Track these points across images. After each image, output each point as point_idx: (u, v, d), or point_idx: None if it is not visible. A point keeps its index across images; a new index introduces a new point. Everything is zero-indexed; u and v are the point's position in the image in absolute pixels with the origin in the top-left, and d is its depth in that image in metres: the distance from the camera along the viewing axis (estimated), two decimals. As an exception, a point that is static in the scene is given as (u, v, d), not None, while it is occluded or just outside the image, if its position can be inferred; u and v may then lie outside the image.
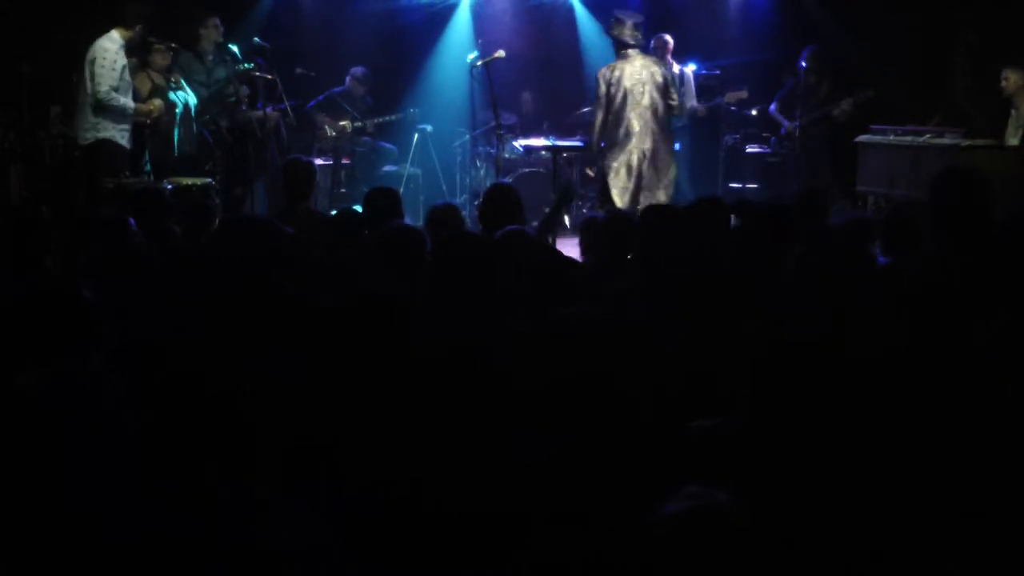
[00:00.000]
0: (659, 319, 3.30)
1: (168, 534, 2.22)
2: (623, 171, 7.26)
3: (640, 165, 7.24)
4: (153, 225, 4.54)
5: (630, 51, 7.29)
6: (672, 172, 7.44)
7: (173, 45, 7.84)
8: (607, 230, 4.46)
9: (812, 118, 8.88)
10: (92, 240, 4.14)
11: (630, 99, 7.22)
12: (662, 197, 7.23)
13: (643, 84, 7.23)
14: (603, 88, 7.27)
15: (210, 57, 8.37)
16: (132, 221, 4.34)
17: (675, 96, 7.43)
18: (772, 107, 9.35)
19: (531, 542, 2.30)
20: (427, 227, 4.70)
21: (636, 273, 4.08)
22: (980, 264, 3.50)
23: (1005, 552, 2.32)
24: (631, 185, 7.25)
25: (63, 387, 2.70)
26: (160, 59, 7.73)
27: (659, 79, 7.28)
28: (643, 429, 2.56)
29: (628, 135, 7.24)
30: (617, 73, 7.26)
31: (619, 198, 7.26)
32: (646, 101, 7.22)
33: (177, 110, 7.79)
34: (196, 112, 7.94)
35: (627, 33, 7.29)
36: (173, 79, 7.80)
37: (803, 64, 8.81)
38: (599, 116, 7.33)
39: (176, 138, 7.77)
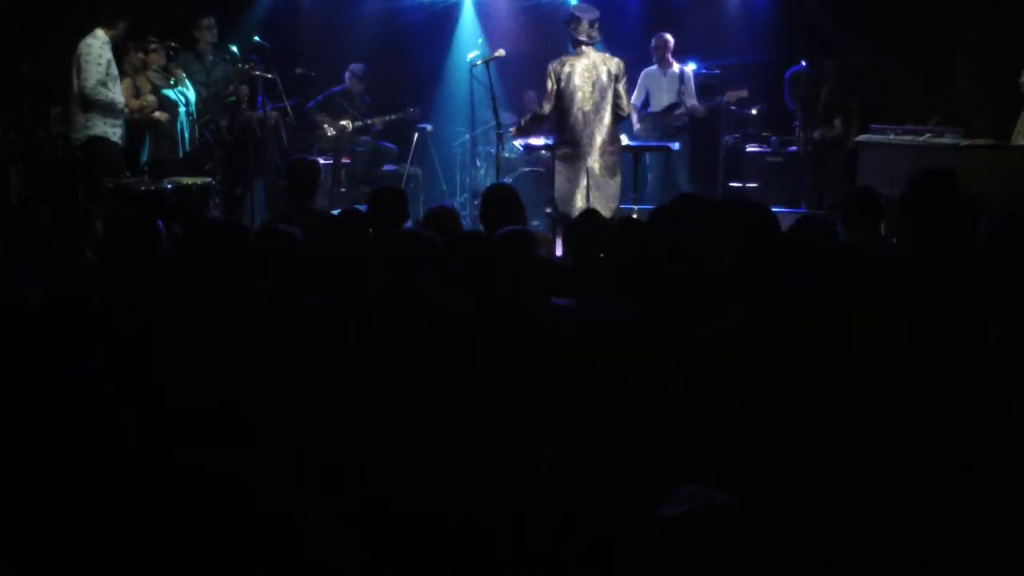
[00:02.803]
0: (659, 319, 3.30)
1: (168, 536, 2.22)
2: (566, 172, 7.13)
3: (584, 165, 7.08)
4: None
5: (584, 47, 7.12)
6: (619, 173, 7.26)
7: (173, 45, 7.85)
8: (579, 231, 4.45)
9: (813, 137, 8.90)
10: (121, 242, 4.15)
11: (579, 96, 7.06)
12: (609, 197, 7.10)
13: (593, 80, 7.07)
14: (552, 82, 7.10)
15: (210, 57, 8.37)
16: (161, 224, 4.35)
17: (624, 97, 7.18)
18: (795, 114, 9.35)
19: (532, 543, 2.30)
20: (424, 228, 4.70)
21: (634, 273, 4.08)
22: (953, 264, 3.51)
23: (1005, 553, 2.32)
24: (575, 185, 7.11)
25: (65, 389, 2.70)
26: (158, 58, 7.74)
27: (610, 77, 7.08)
28: (645, 428, 2.56)
29: (574, 133, 7.09)
30: (567, 68, 7.08)
31: (559, 197, 7.14)
32: (596, 98, 7.06)
33: (180, 108, 7.79)
34: (196, 111, 7.95)
35: (583, 30, 7.10)
36: (174, 76, 7.80)
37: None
38: (544, 108, 7.14)
39: (186, 136, 7.79)
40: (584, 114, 7.08)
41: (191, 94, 7.92)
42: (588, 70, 7.09)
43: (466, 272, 3.62)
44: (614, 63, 7.16)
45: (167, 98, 7.77)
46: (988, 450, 2.49)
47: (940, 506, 2.36)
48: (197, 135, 7.96)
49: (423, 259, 3.63)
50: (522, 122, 7.57)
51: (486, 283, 3.55)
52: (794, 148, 9.46)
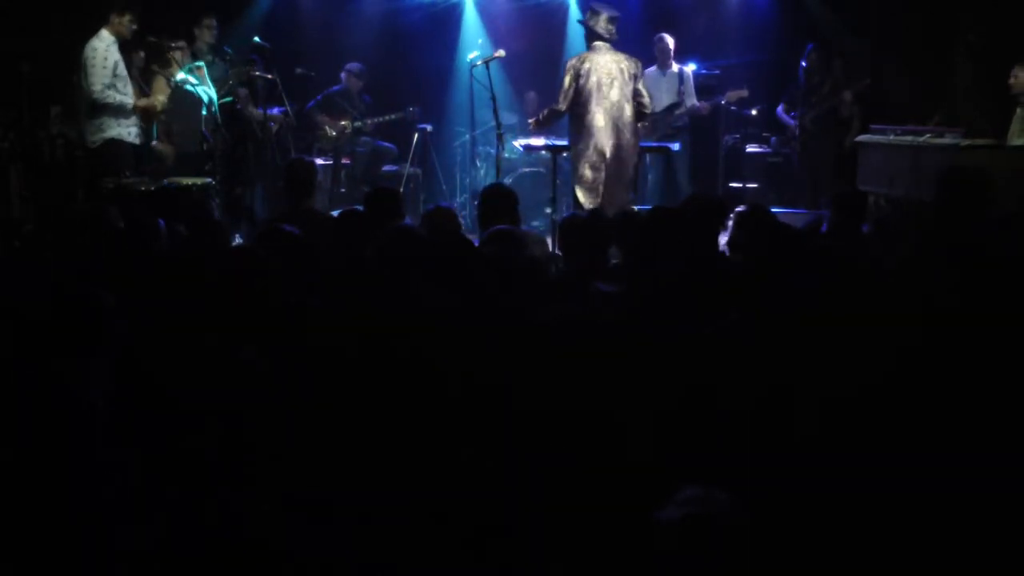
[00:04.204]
0: (655, 323, 3.30)
1: (166, 536, 2.22)
2: (587, 170, 7.14)
3: (603, 162, 7.10)
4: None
5: (600, 43, 7.15)
6: (634, 170, 7.35)
7: (173, 44, 7.85)
8: (583, 231, 4.44)
9: (815, 115, 8.89)
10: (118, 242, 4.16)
11: (597, 93, 7.07)
12: (623, 195, 7.17)
13: (612, 78, 7.08)
14: (570, 78, 7.11)
15: (208, 57, 8.37)
16: (162, 223, 4.37)
17: (645, 95, 7.23)
18: (779, 108, 9.36)
19: (532, 547, 2.30)
20: (422, 228, 4.71)
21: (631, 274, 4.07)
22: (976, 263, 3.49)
23: (1006, 553, 2.32)
24: (596, 183, 7.13)
25: (67, 385, 2.70)
26: (181, 57, 7.76)
27: (628, 75, 7.12)
28: (645, 429, 2.57)
29: (592, 131, 7.10)
30: (587, 65, 7.09)
31: (583, 196, 7.15)
32: (614, 95, 7.08)
33: (203, 106, 7.79)
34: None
35: (601, 26, 7.13)
36: (198, 76, 7.80)
37: (804, 63, 8.83)
38: (562, 104, 7.16)
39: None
40: (604, 110, 7.10)
41: (212, 93, 7.93)
42: (607, 67, 7.11)
43: (452, 272, 3.62)
44: (632, 63, 7.21)
45: (193, 95, 7.78)
46: (990, 453, 2.49)
47: (943, 507, 2.36)
48: (198, 134, 7.94)
49: (414, 258, 3.64)
50: (540, 117, 7.58)
51: (470, 283, 3.54)
52: (787, 150, 9.47)
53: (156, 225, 4.34)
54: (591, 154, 7.12)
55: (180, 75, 7.74)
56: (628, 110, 7.14)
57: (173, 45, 7.74)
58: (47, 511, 2.38)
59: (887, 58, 9.19)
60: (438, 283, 3.58)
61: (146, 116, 7.50)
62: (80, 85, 7.08)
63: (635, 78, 7.16)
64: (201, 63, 7.86)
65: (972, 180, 4.17)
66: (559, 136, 7.92)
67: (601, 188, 7.13)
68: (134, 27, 7.25)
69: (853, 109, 8.81)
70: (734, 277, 3.42)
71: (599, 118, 7.09)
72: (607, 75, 7.08)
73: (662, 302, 3.45)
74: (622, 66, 7.12)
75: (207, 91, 7.86)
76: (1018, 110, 7.19)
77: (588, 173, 7.14)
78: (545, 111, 7.52)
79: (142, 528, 2.29)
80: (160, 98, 7.55)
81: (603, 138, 7.10)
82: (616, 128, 7.11)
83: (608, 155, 7.11)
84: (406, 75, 10.28)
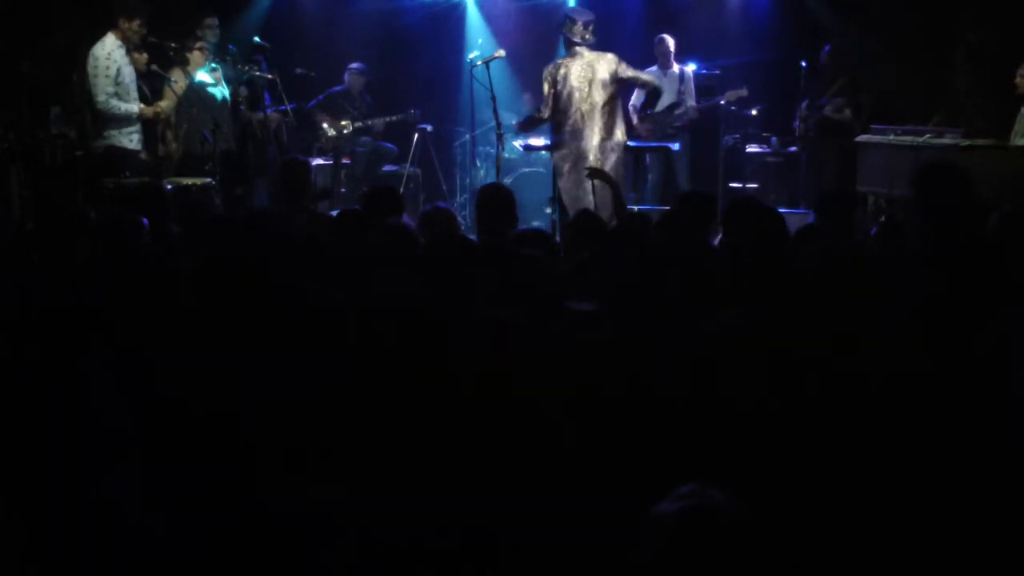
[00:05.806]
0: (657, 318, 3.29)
1: (166, 533, 2.22)
2: (570, 173, 7.17)
3: (587, 165, 7.06)
4: (153, 224, 4.55)
5: (578, 49, 7.22)
6: (621, 170, 7.34)
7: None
8: (573, 230, 4.43)
9: (817, 118, 8.88)
10: (101, 239, 4.17)
11: (576, 96, 7.14)
12: (607, 196, 7.08)
13: (589, 81, 7.15)
14: (548, 86, 7.22)
15: (211, 57, 8.37)
16: (145, 221, 4.37)
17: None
18: (803, 104, 9.29)
19: (525, 542, 2.30)
20: (419, 229, 4.71)
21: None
22: (968, 261, 3.50)
23: (1004, 553, 2.32)
24: (580, 188, 7.14)
25: (66, 384, 2.71)
26: (201, 57, 7.77)
27: (606, 75, 7.16)
28: (644, 426, 2.56)
29: (574, 135, 7.17)
30: (563, 71, 7.19)
31: (568, 199, 7.16)
32: (595, 98, 7.14)
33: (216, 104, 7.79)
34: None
35: (577, 32, 7.21)
36: (214, 76, 7.82)
37: (805, 64, 8.84)
38: (543, 112, 7.27)
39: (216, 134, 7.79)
40: (583, 114, 7.15)
41: (227, 94, 7.95)
42: (584, 70, 7.17)
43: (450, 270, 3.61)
44: (607, 58, 7.24)
45: (212, 96, 7.79)
46: (986, 450, 2.49)
47: (939, 507, 2.36)
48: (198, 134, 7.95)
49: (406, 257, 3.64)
50: (522, 124, 7.76)
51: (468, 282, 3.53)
52: (794, 148, 9.46)
53: (140, 223, 4.34)
54: (574, 159, 7.16)
55: (200, 75, 7.76)
56: (608, 111, 7.18)
57: (194, 46, 7.75)
58: (47, 510, 2.38)
59: (887, 58, 9.19)
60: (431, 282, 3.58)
61: (151, 121, 7.52)
62: (83, 86, 7.10)
63: (615, 72, 7.18)
64: (217, 66, 7.87)
65: (948, 174, 4.16)
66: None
67: (587, 193, 7.11)
68: (143, 32, 7.25)
69: (854, 119, 8.80)
70: (727, 276, 3.42)
71: (579, 122, 7.15)
72: (585, 78, 7.16)
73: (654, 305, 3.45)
74: (597, 67, 7.17)
75: (223, 91, 7.88)
76: (1023, 109, 7.19)
77: (572, 178, 7.17)
78: (524, 120, 7.69)
79: (145, 525, 2.29)
80: (163, 103, 7.56)
81: (585, 142, 7.14)
82: (597, 130, 7.15)
83: (591, 158, 7.12)
84: (406, 75, 10.28)
